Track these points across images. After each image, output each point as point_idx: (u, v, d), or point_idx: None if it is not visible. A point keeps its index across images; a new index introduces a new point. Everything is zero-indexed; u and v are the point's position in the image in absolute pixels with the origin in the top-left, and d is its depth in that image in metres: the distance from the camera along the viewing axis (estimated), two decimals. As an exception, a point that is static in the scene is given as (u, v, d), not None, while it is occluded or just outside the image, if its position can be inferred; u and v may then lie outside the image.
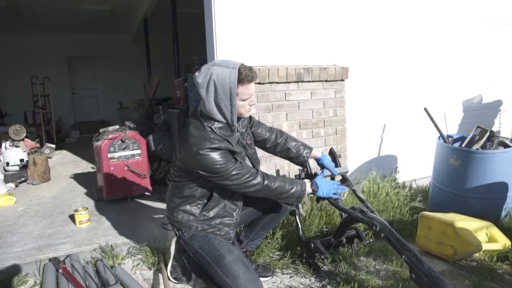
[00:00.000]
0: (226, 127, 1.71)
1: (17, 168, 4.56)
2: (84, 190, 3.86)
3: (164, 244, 2.40)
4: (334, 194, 1.86)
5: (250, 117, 2.08)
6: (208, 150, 1.61)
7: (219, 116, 1.68)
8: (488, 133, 2.93)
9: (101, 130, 3.54)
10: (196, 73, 1.67)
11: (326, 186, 1.85)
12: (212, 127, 1.68)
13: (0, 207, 3.37)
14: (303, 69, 2.87)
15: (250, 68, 1.64)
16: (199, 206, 1.78)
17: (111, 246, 2.39)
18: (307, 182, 1.85)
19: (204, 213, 1.77)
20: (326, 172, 2.05)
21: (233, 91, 1.61)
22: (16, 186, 4.11)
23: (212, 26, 2.68)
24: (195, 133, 1.67)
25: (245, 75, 1.61)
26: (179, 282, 2.08)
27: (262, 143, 2.09)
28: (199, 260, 1.75)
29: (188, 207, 1.78)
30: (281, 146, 2.07)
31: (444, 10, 3.75)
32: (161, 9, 6.48)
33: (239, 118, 1.79)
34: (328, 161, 2.07)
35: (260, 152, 2.21)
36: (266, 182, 1.71)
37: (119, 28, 9.06)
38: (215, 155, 1.61)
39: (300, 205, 2.61)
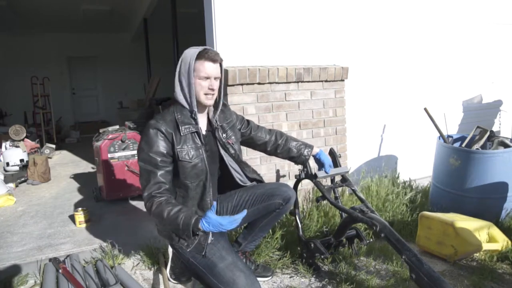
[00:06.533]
0: (188, 116, 1.72)
1: (17, 168, 4.55)
2: (84, 190, 3.86)
3: (164, 244, 2.39)
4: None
5: (248, 121, 2.06)
6: (149, 128, 1.65)
7: (181, 97, 1.71)
8: (488, 133, 2.93)
9: (101, 130, 3.54)
10: None
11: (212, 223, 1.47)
12: (176, 111, 1.71)
13: (0, 207, 3.37)
14: (303, 69, 2.87)
15: (215, 52, 1.70)
16: None
17: (111, 246, 2.39)
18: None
19: None
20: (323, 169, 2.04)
21: (191, 66, 1.66)
22: (16, 186, 4.12)
23: (212, 26, 2.68)
24: (155, 115, 1.73)
25: (205, 52, 1.67)
26: (179, 283, 2.07)
27: (263, 146, 2.08)
28: (193, 269, 1.71)
29: None
30: (282, 147, 2.06)
31: (444, 10, 3.75)
32: (161, 9, 6.48)
33: (202, 106, 1.76)
34: (324, 156, 2.05)
35: (260, 152, 2.21)
36: (154, 208, 1.55)
37: (119, 28, 9.06)
38: (149, 131, 1.64)
39: (300, 205, 2.61)
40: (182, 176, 1.70)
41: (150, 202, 1.58)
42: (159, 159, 1.62)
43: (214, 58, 1.68)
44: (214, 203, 1.55)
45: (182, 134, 1.67)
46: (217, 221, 1.44)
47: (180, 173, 1.69)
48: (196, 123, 1.73)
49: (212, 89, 1.71)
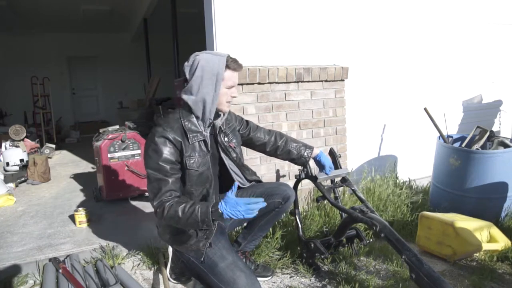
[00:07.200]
0: (195, 123, 1.69)
1: (17, 168, 4.55)
2: (84, 190, 3.86)
3: (164, 244, 2.39)
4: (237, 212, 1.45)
5: (247, 121, 2.06)
6: (156, 136, 1.61)
7: (198, 105, 1.66)
8: (488, 133, 2.93)
9: (101, 130, 3.53)
10: (186, 62, 1.69)
11: (231, 208, 1.44)
12: (182, 117, 1.68)
13: (0, 207, 3.37)
14: (303, 69, 2.87)
15: (236, 60, 1.70)
16: None
17: (111, 246, 2.39)
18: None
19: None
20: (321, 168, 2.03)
21: (220, 76, 1.63)
22: (16, 186, 4.12)
23: (212, 26, 2.68)
24: (160, 121, 1.69)
25: (231, 61, 1.67)
26: (179, 282, 2.08)
27: (262, 147, 2.08)
28: (193, 268, 1.71)
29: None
30: (281, 149, 2.06)
31: (444, 10, 3.75)
32: (161, 9, 6.48)
33: (217, 114, 1.75)
34: (324, 158, 2.05)
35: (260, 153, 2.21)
36: (167, 211, 1.52)
37: (119, 28, 9.06)
38: (157, 139, 1.60)
39: (300, 205, 2.60)
40: (188, 184, 1.69)
41: (161, 208, 1.56)
42: (168, 166, 1.60)
43: (239, 68, 1.71)
44: (236, 183, 1.52)
45: (190, 143, 1.67)
46: (234, 200, 1.42)
47: (187, 181, 1.68)
48: (204, 131, 1.72)
49: (234, 97, 1.74)
